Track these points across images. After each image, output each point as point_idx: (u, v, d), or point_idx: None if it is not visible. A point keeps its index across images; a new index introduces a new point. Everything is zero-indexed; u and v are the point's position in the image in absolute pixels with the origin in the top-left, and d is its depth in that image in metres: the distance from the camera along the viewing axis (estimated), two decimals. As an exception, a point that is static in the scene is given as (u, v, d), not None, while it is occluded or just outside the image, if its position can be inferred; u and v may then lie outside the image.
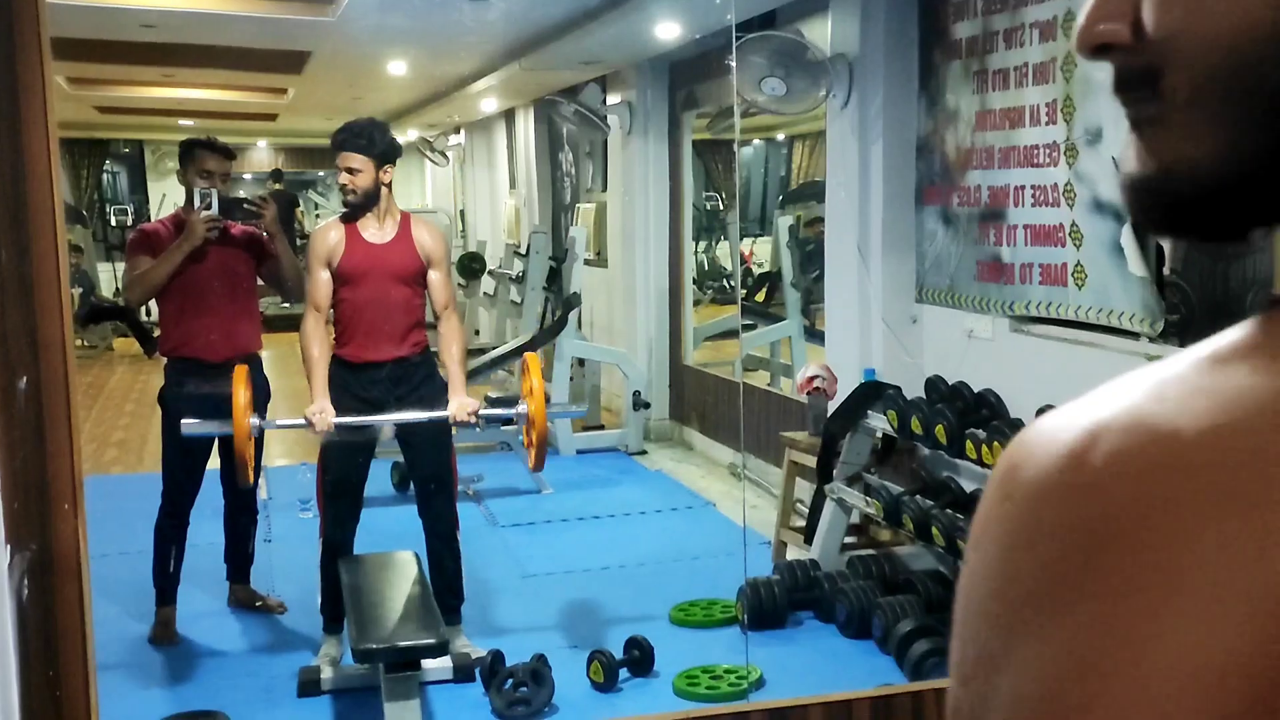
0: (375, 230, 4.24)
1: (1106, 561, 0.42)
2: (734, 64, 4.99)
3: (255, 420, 4.12)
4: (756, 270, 11.82)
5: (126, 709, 3.98)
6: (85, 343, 12.58)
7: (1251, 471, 0.41)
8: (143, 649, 4.60)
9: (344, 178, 4.21)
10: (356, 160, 4.18)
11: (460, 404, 4.23)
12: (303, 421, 4.17)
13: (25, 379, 2.32)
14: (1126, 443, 0.44)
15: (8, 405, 2.27)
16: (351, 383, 4.23)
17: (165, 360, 4.65)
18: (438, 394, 4.30)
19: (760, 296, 10.57)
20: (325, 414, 4.13)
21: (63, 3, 6.64)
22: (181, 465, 4.59)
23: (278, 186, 13.61)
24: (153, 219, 16.48)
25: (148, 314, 12.26)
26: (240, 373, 4.12)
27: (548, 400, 7.72)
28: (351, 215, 4.24)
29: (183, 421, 4.30)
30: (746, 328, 8.77)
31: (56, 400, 2.34)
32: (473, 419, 4.24)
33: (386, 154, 4.28)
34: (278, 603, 4.92)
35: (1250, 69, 0.46)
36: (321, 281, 4.20)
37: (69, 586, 2.42)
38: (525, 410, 4.34)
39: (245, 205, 4.60)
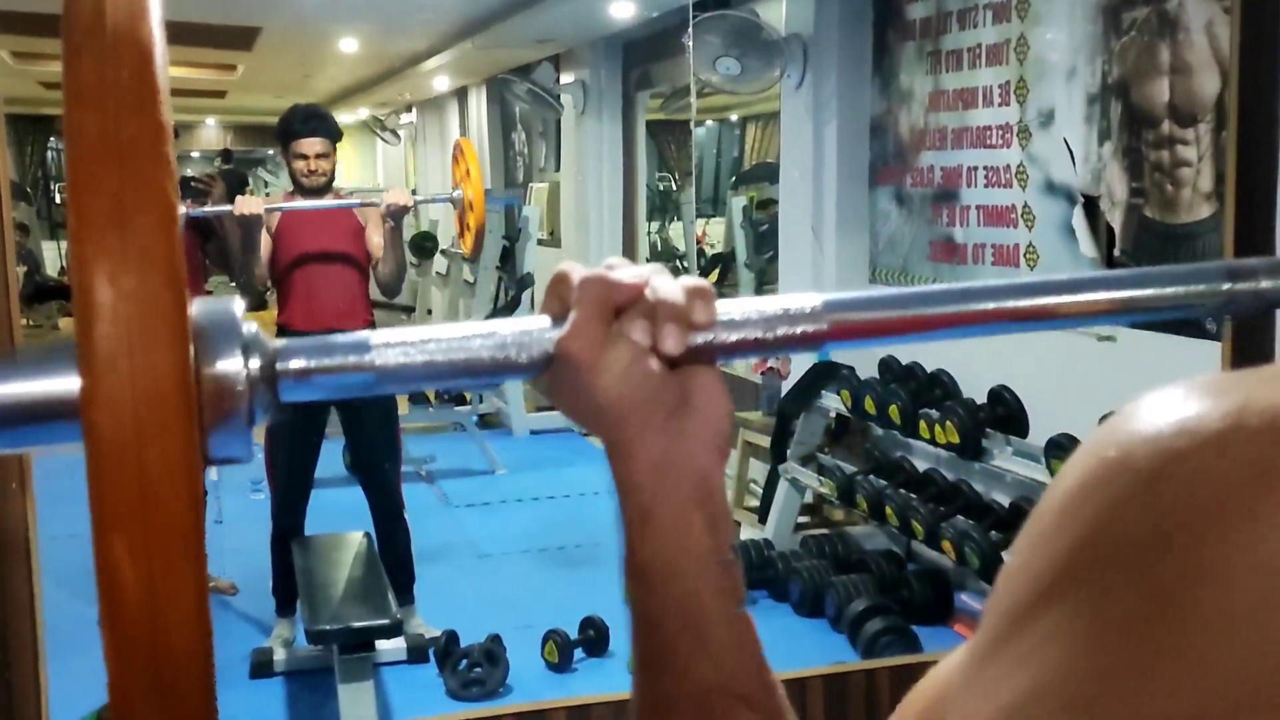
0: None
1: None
2: (690, 43, 4.98)
3: (183, 210, 4.14)
4: (710, 251, 11.83)
5: (77, 690, 3.93)
6: (31, 321, 12.40)
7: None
8: (93, 630, 4.54)
9: (309, 164, 4.25)
10: (321, 145, 4.27)
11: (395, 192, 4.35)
12: (229, 209, 4.20)
13: (-30, 357, 2.28)
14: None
15: (-48, 383, 2.23)
16: None
17: None
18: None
19: (713, 277, 10.57)
20: (250, 202, 4.13)
21: (6, -25, 6.52)
22: None
23: (227, 166, 13.46)
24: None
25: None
26: None
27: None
28: (311, 198, 4.28)
29: None
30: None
31: None
32: (408, 200, 4.31)
33: (339, 135, 4.43)
34: (229, 584, 4.88)
35: None
36: (263, 246, 4.24)
37: (18, 567, 2.38)
38: (461, 195, 4.53)
39: (192, 183, 4.58)
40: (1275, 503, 0.32)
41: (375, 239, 4.32)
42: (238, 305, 0.58)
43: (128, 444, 0.46)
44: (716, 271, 10.90)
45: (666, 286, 0.63)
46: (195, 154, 16.01)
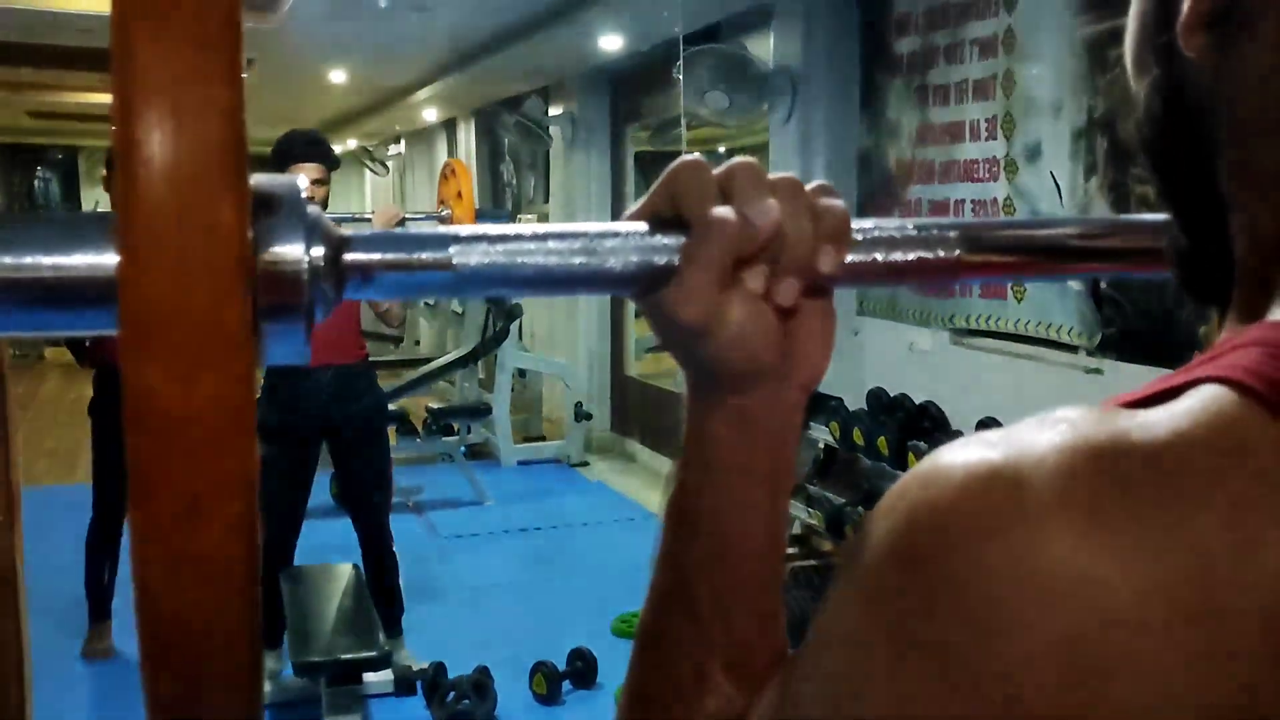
0: None
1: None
2: (680, 77, 5.01)
3: None
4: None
5: (60, 724, 3.91)
6: (17, 351, 12.36)
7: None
8: (75, 663, 4.52)
9: (307, 190, 4.15)
10: (317, 171, 4.13)
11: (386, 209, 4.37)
12: None
13: (-39, 387, 2.27)
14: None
15: (-58, 414, 2.22)
16: (289, 396, 4.18)
17: (94, 371, 4.60)
18: (380, 406, 4.28)
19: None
20: None
21: (-4, 6, 6.53)
22: (118, 472, 4.50)
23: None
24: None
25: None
26: None
27: (488, 411, 7.71)
28: None
29: None
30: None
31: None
32: (399, 213, 4.32)
33: (337, 163, 4.32)
34: None
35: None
36: None
37: (5, 601, 2.37)
38: (450, 214, 4.48)
39: None
40: (1003, 542, 0.38)
41: None
42: (301, 180, 0.50)
43: (170, 330, 0.39)
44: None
45: (797, 229, 0.56)
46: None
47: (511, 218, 10.43)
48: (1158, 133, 0.54)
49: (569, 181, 8.49)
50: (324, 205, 4.22)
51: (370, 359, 4.39)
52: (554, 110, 8.69)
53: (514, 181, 10.73)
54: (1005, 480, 0.40)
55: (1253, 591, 0.37)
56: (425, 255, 0.55)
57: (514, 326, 7.99)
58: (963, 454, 0.42)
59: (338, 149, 15.03)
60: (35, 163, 16.11)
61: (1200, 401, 0.40)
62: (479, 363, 8.53)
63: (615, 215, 8.27)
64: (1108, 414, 0.41)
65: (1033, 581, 0.37)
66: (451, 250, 0.55)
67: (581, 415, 7.93)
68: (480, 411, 7.71)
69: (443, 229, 0.56)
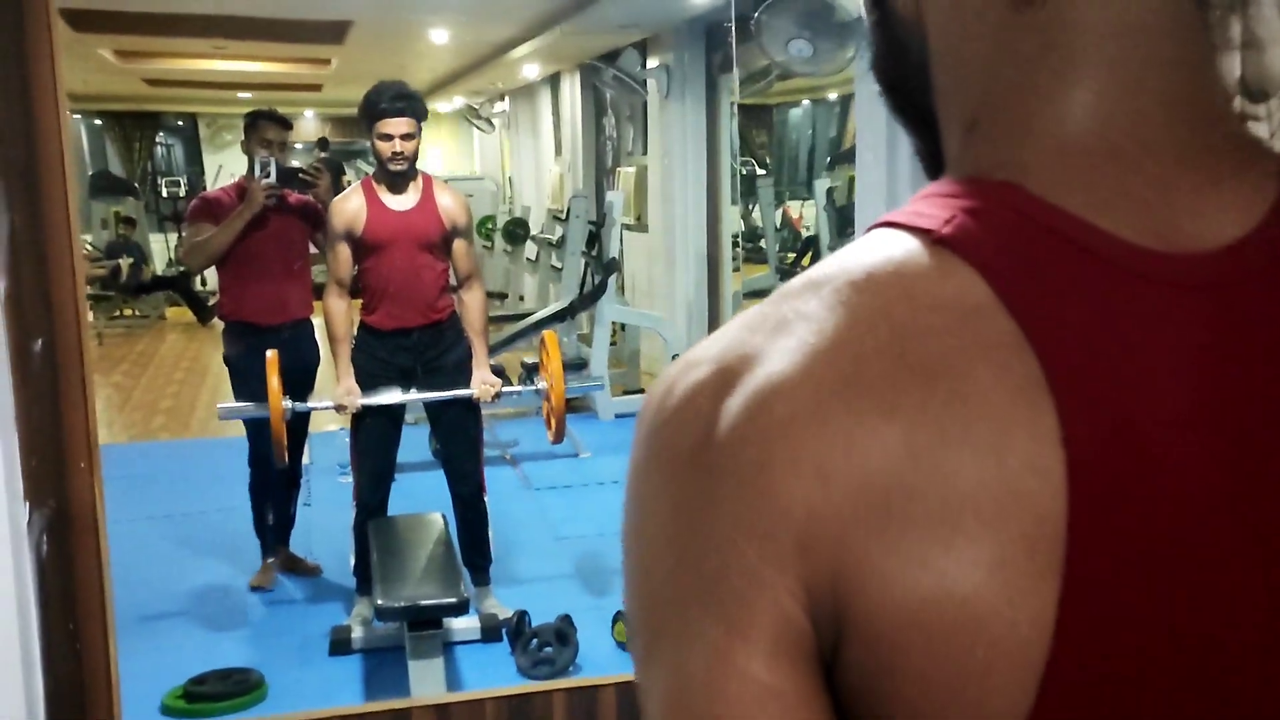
0: (398, 196, 4.21)
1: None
2: (757, 26, 4.96)
3: (287, 404, 4.21)
4: (805, 234, 11.76)
5: (164, 663, 4.08)
6: (137, 312, 12.79)
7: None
8: (187, 606, 4.71)
9: (394, 145, 4.10)
10: (407, 125, 4.11)
11: (482, 380, 4.30)
12: (330, 404, 4.27)
13: (40, 340, 2.38)
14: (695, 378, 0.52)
15: (23, 367, 2.33)
16: (380, 349, 4.28)
17: (224, 324, 4.77)
18: (466, 359, 4.35)
19: (807, 261, 10.54)
20: (352, 395, 4.20)
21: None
22: (262, 434, 4.57)
23: (324, 155, 13.72)
24: (209, 190, 16.64)
25: (203, 283, 12.48)
26: (272, 359, 4.21)
27: (584, 366, 7.78)
28: (395, 179, 4.18)
29: (218, 406, 4.58)
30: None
31: (70, 361, 2.40)
32: (493, 397, 4.31)
33: (425, 115, 4.28)
34: (313, 565, 5.01)
35: None
36: (342, 256, 4.20)
37: (86, 542, 2.48)
38: (544, 387, 4.45)
39: (301, 175, 4.69)
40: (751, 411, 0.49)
41: (460, 249, 4.31)
42: None
43: None
44: (809, 256, 10.86)
45: None
46: (298, 145, 16.31)
47: (611, 171, 10.47)
48: (885, 64, 0.63)
49: (665, 134, 8.47)
50: (414, 159, 4.19)
51: (455, 314, 4.43)
52: (651, 63, 8.66)
53: (615, 135, 10.74)
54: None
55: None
56: None
57: (613, 280, 8.02)
58: None
59: (444, 107, 15.17)
60: (156, 128, 16.55)
61: (864, 239, 0.53)
62: (580, 316, 8.60)
63: (711, 166, 8.25)
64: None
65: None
66: None
67: (679, 368, 7.94)
68: (576, 366, 7.77)
69: None
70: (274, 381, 4.16)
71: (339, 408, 4.26)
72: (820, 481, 0.46)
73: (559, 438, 4.52)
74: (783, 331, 0.50)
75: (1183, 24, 0.53)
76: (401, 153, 4.13)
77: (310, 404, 4.49)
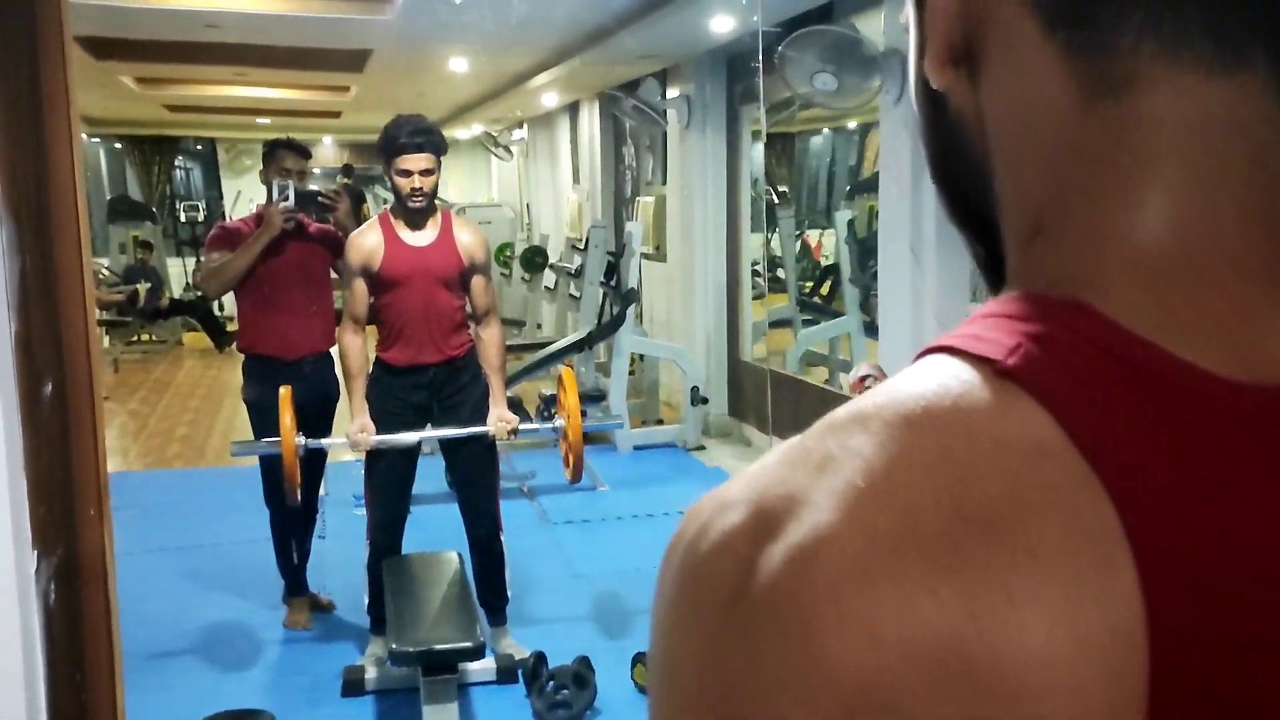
0: (416, 232, 4.16)
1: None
2: (781, 60, 4.92)
3: (301, 440, 4.16)
4: (824, 262, 11.71)
5: (173, 704, 4.02)
6: (154, 337, 12.79)
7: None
8: (198, 643, 4.65)
9: (414, 181, 4.05)
10: (426, 161, 4.06)
11: (498, 418, 4.25)
12: (344, 440, 4.21)
13: (50, 384, 2.33)
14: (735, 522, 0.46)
15: (33, 411, 2.27)
16: (397, 386, 4.22)
17: (244, 357, 4.70)
18: (483, 396, 4.29)
19: (825, 290, 10.47)
20: (366, 432, 4.15)
21: (126, 5, 6.73)
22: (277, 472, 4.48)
23: (347, 182, 13.73)
24: (228, 215, 16.73)
25: (221, 308, 12.47)
26: (285, 395, 4.16)
27: (603, 397, 7.72)
28: (414, 217, 4.13)
29: (232, 443, 4.48)
30: (808, 323, 8.69)
31: (81, 404, 2.35)
32: (509, 436, 4.25)
33: (445, 149, 4.22)
34: (328, 601, 4.95)
35: None
36: (358, 291, 4.15)
37: (95, 590, 2.43)
38: (561, 424, 4.39)
39: (320, 199, 4.64)
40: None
41: (477, 284, 4.26)
42: None
43: None
44: (827, 285, 10.79)
45: None
46: (317, 171, 16.33)
47: (630, 201, 10.44)
48: (943, 165, 0.57)
49: (685, 164, 8.43)
50: (433, 194, 4.15)
51: (473, 350, 4.37)
52: (671, 93, 8.64)
53: (634, 164, 10.71)
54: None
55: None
56: None
57: (631, 311, 7.97)
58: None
59: (462, 135, 15.26)
60: (174, 153, 16.59)
61: (917, 367, 0.48)
62: (598, 347, 8.55)
63: (731, 196, 8.20)
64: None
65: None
66: None
67: (698, 399, 7.89)
68: (594, 398, 7.71)
69: None
70: (286, 419, 4.11)
71: (353, 445, 4.20)
72: (871, 644, 0.42)
73: (577, 477, 4.46)
74: (828, 470, 0.45)
75: (1270, 123, 0.47)
76: (421, 189, 4.08)
77: (324, 441, 4.43)
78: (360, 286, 4.14)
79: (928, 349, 0.49)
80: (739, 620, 0.44)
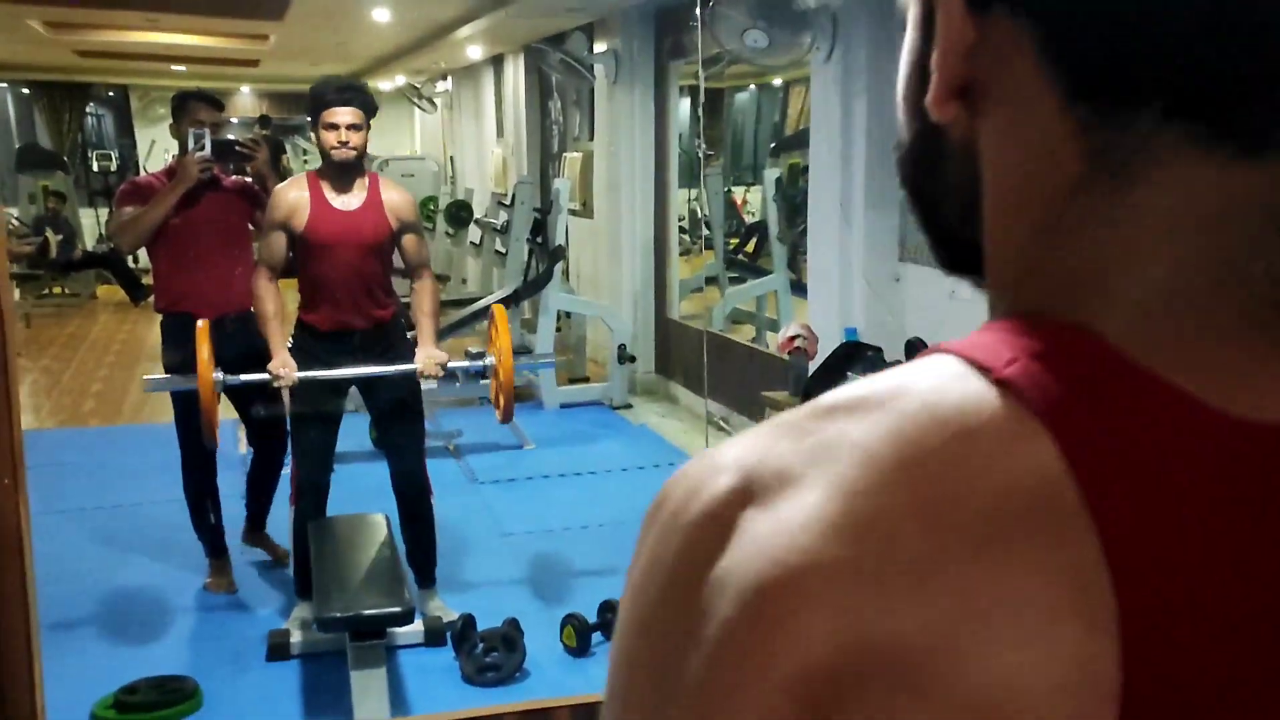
0: (344, 195, 4.07)
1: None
2: (707, 17, 4.87)
3: (219, 375, 4.03)
4: (749, 219, 11.70)
5: (91, 671, 3.93)
6: (68, 290, 12.47)
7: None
8: (117, 607, 4.55)
9: (339, 135, 3.98)
10: (353, 115, 4.00)
11: (428, 356, 4.14)
12: (265, 376, 4.07)
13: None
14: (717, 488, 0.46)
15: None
16: (320, 350, 4.13)
17: (161, 317, 4.55)
18: (408, 360, 4.21)
19: (750, 248, 10.47)
20: (288, 367, 4.03)
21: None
22: (194, 421, 4.32)
23: (265, 133, 13.44)
24: (141, 164, 16.26)
25: (135, 260, 12.18)
26: (202, 330, 4.04)
27: (528, 353, 7.66)
28: (341, 175, 4.05)
29: (144, 378, 4.31)
30: (734, 280, 8.68)
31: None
32: (440, 371, 4.15)
33: (374, 109, 4.15)
34: (284, 552, 4.81)
35: None
36: (275, 243, 4.04)
37: (11, 562, 2.35)
38: (492, 363, 4.31)
39: (238, 148, 4.49)
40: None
41: (408, 245, 4.18)
42: None
43: None
44: (752, 243, 10.79)
45: None
46: (234, 120, 15.97)
47: (557, 157, 10.34)
48: (917, 175, 0.56)
49: (613, 119, 8.35)
50: (363, 150, 4.07)
51: (398, 315, 4.30)
52: (599, 47, 8.54)
53: (561, 119, 10.60)
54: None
55: None
56: None
57: (559, 268, 7.91)
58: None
59: (385, 86, 15.02)
60: (86, 100, 16.14)
61: (919, 364, 0.48)
62: (523, 304, 8.48)
63: (659, 152, 8.14)
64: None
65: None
66: None
67: (625, 358, 7.86)
68: (520, 353, 7.65)
69: None
70: (204, 351, 3.98)
71: (274, 379, 4.05)
72: (837, 649, 0.42)
73: (508, 416, 4.37)
74: (825, 458, 0.45)
75: None
76: (347, 142, 4.00)
77: (244, 376, 4.25)
78: (279, 239, 4.04)
79: (930, 349, 0.49)
80: (715, 588, 0.44)
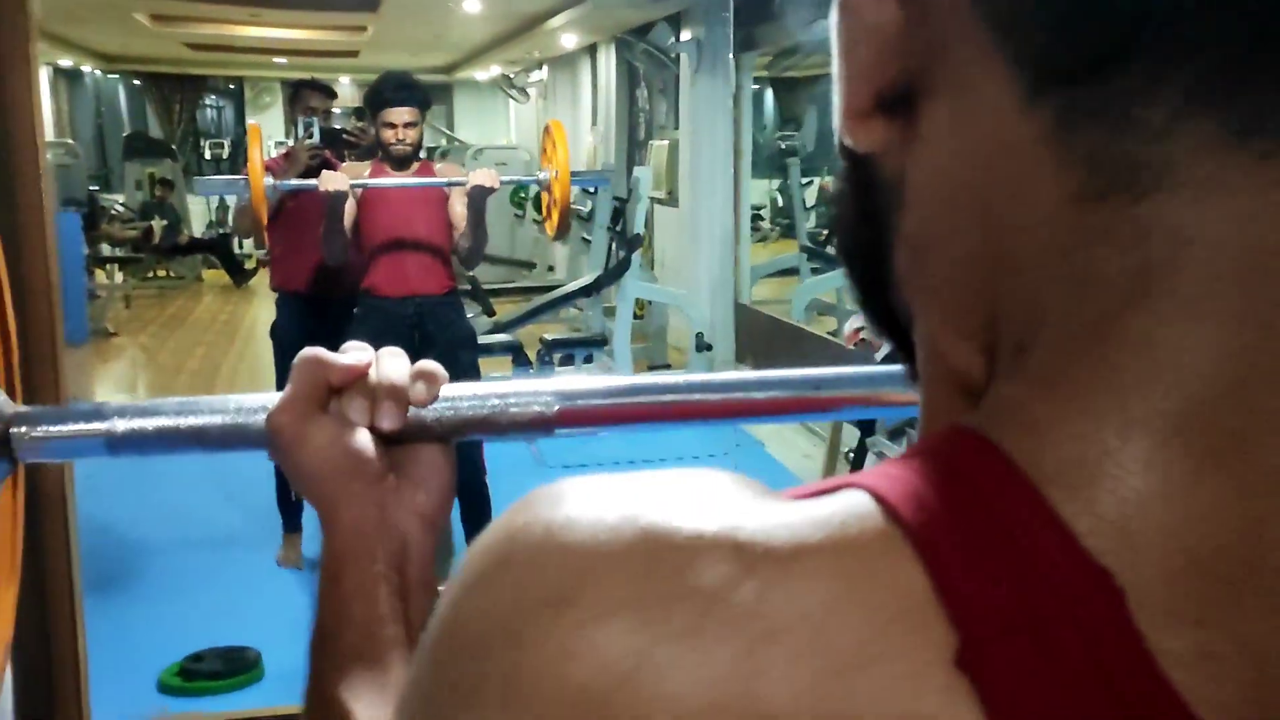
0: (401, 172, 4.32)
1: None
2: (783, 5, 4.89)
3: (269, 180, 4.31)
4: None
5: (162, 638, 4.10)
6: (172, 273, 12.87)
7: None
8: (188, 579, 4.73)
9: (396, 133, 4.24)
10: (409, 114, 4.26)
11: (479, 174, 4.22)
12: (314, 183, 4.16)
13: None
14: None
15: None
16: (377, 321, 4.26)
17: (276, 294, 4.78)
18: (467, 335, 4.36)
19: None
20: (336, 179, 4.09)
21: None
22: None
23: (361, 124, 13.71)
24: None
25: (240, 246, 12.54)
26: (254, 131, 4.32)
27: (606, 341, 7.75)
28: (399, 165, 4.30)
29: (195, 179, 4.69)
30: (816, 271, 8.66)
31: (42, 350, 2.38)
32: (496, 182, 4.20)
33: (429, 104, 4.44)
34: None
35: None
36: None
37: (55, 518, 2.46)
38: (547, 177, 4.52)
39: (345, 135, 4.75)
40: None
41: (458, 209, 4.31)
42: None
43: None
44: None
45: (389, 368, 0.72)
46: (337, 110, 16.29)
47: (644, 144, 10.40)
48: (846, 228, 0.44)
49: (695, 109, 8.40)
50: (418, 146, 4.33)
51: (456, 289, 4.44)
52: (684, 36, 8.58)
53: (648, 108, 10.66)
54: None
55: None
56: (86, 426, 0.69)
57: (637, 256, 7.97)
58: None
59: (481, 76, 15.09)
60: (198, 91, 16.62)
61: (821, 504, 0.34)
62: (606, 291, 8.56)
63: (736, 141, 8.15)
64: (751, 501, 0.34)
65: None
66: (109, 423, 0.68)
67: (702, 346, 7.89)
68: (595, 342, 7.73)
69: (102, 404, 0.70)
70: (255, 154, 4.24)
71: (323, 184, 4.08)
72: None
73: (562, 233, 4.56)
74: (695, 626, 0.31)
75: None
76: (403, 139, 4.27)
77: (294, 181, 4.41)
78: (351, 206, 4.23)
79: (847, 483, 0.34)
80: (508, 663, 0.32)
